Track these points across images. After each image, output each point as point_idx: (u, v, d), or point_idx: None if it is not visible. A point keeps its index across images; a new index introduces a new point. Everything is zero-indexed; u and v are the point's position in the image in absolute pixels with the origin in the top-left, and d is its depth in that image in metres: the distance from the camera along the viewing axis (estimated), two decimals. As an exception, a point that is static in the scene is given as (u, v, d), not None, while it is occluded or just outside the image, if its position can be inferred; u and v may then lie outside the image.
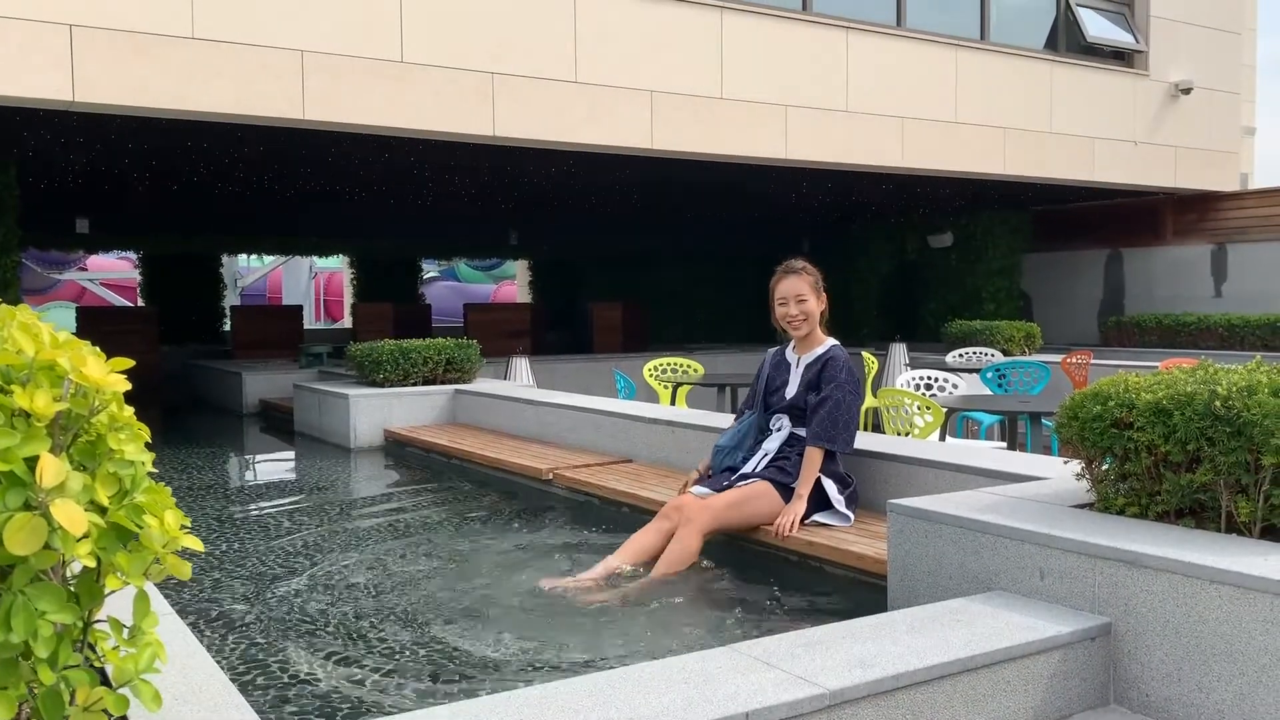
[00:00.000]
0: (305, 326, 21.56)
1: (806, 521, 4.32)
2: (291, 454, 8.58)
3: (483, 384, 8.90)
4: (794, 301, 4.54)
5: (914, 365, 12.00)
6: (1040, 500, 3.44)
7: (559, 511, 5.70)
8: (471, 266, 31.51)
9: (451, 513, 5.82)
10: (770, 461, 4.49)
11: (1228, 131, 13.88)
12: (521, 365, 10.07)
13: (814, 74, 10.39)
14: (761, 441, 4.63)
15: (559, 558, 4.79)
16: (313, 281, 32.29)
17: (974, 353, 11.24)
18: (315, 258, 27.65)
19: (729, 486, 4.45)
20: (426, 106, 8.55)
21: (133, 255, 19.15)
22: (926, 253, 16.72)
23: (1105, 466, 3.27)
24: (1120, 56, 13.08)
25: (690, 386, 8.87)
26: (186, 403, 13.37)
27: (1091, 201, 14.86)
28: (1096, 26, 12.68)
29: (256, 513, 5.92)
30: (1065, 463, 3.47)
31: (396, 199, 14.49)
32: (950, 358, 11.11)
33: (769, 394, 4.70)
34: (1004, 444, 6.97)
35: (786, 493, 4.35)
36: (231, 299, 26.98)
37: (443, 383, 8.87)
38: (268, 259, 30.25)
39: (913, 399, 5.85)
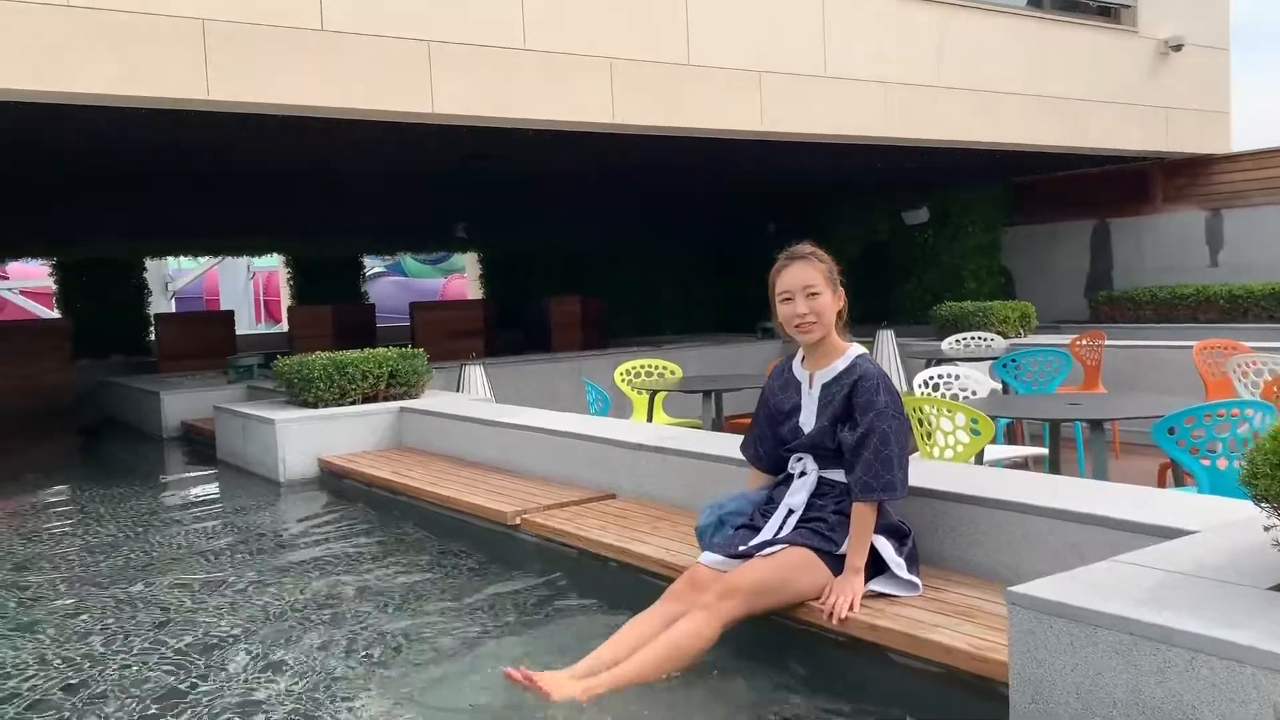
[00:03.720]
0: (244, 331, 20.23)
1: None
2: (212, 492, 7.39)
3: (432, 399, 7.78)
4: (802, 295, 3.41)
5: (905, 353, 11.06)
6: (1222, 578, 2.43)
7: (530, 568, 4.61)
8: (418, 261, 30.13)
9: (396, 573, 4.72)
10: (800, 521, 3.42)
11: (1220, 90, 13.07)
12: (476, 374, 8.94)
13: (791, 36, 9.35)
14: (781, 493, 3.54)
15: (531, 637, 3.73)
16: (250, 281, 30.71)
17: (973, 338, 10.27)
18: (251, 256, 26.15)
19: (749, 553, 3.38)
20: (353, 81, 7.40)
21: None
22: (900, 230, 15.78)
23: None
24: (1107, 12, 12.19)
25: (667, 393, 7.81)
26: (104, 424, 12.07)
27: (1076, 170, 14.00)
28: (1082, -20, 11.77)
29: (156, 586, 4.78)
30: (1267, 519, 2.46)
31: (332, 192, 13.26)
32: (947, 345, 10.14)
33: (778, 423, 3.61)
34: (1041, 450, 6.01)
35: (831, 561, 3.31)
36: (163, 304, 25.49)
37: (386, 399, 7.74)
38: (201, 259, 28.68)
39: (954, 410, 4.84)
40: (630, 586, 4.02)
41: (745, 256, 17.51)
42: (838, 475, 3.42)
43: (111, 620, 4.19)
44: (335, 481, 6.89)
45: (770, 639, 3.36)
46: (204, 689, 3.40)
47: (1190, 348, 9.00)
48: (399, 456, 6.92)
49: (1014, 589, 2.48)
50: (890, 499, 3.30)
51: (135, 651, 3.80)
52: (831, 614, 3.14)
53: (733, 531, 3.54)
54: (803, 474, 3.50)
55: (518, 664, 3.15)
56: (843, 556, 3.29)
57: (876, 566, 3.33)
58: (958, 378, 6.46)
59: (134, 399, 11.06)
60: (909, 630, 3.01)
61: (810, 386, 3.52)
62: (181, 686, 3.43)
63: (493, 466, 6.18)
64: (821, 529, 3.35)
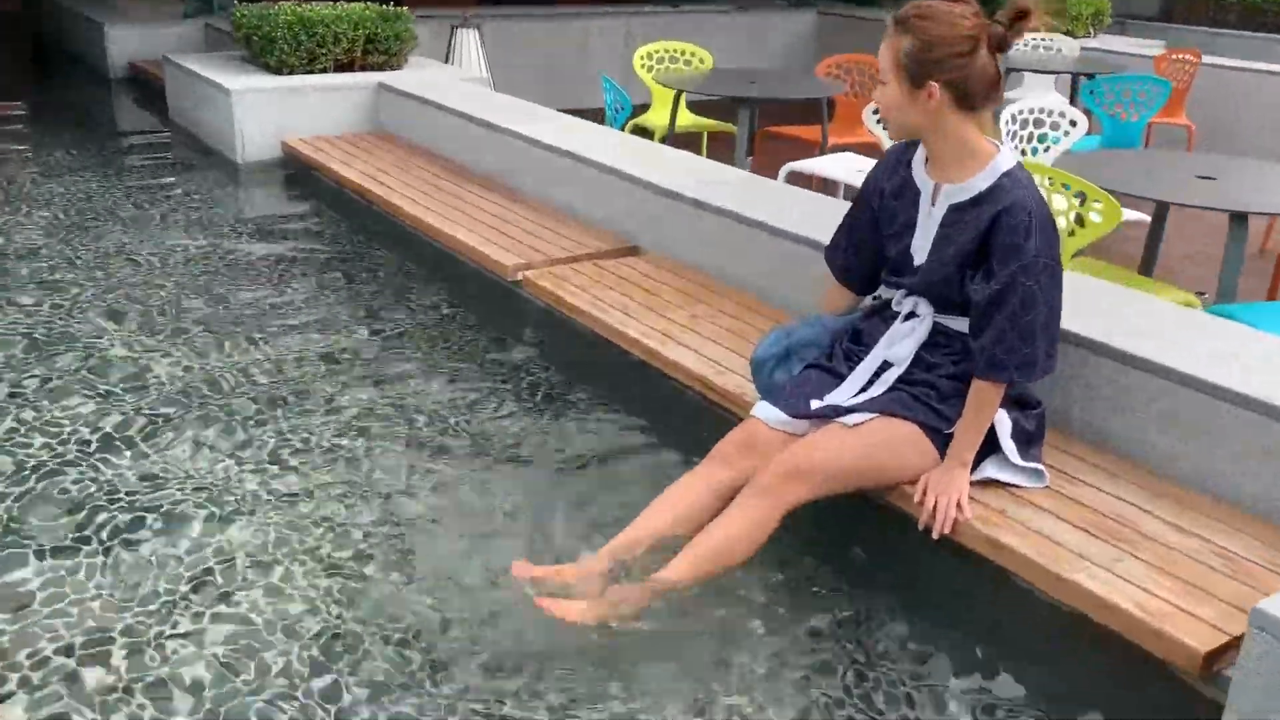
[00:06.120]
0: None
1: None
2: (154, 165, 6.32)
3: (417, 76, 6.56)
4: (877, 83, 2.47)
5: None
6: None
7: (535, 354, 3.79)
8: None
9: (363, 339, 3.89)
10: (900, 381, 2.52)
11: None
12: (470, 42, 7.61)
13: None
14: (876, 329, 2.61)
15: (540, 485, 2.99)
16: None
17: (1040, 40, 8.83)
18: None
19: (822, 414, 2.51)
20: None
21: None
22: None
23: None
24: None
25: (692, 92, 6.60)
26: (57, 52, 10.58)
27: None
28: None
29: (47, 308, 3.95)
30: None
31: None
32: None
33: (882, 236, 2.61)
34: (1143, 217, 5.06)
35: (941, 441, 2.47)
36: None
37: (362, 68, 6.55)
38: None
39: (1072, 186, 3.83)
40: (664, 390, 3.22)
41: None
42: (960, 325, 2.50)
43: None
44: (303, 174, 5.85)
45: (840, 521, 2.61)
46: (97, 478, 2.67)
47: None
48: (375, 149, 5.84)
49: (1260, 607, 1.69)
50: (1025, 380, 2.42)
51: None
52: (935, 521, 2.35)
53: (801, 369, 2.67)
54: (911, 315, 2.57)
55: (524, 561, 2.43)
56: (952, 436, 2.46)
57: (989, 442, 2.51)
58: (1051, 114, 5.35)
59: (76, 26, 9.63)
60: (1045, 562, 2.24)
61: (933, 203, 2.48)
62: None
63: (487, 176, 5.19)
64: (930, 398, 2.48)
